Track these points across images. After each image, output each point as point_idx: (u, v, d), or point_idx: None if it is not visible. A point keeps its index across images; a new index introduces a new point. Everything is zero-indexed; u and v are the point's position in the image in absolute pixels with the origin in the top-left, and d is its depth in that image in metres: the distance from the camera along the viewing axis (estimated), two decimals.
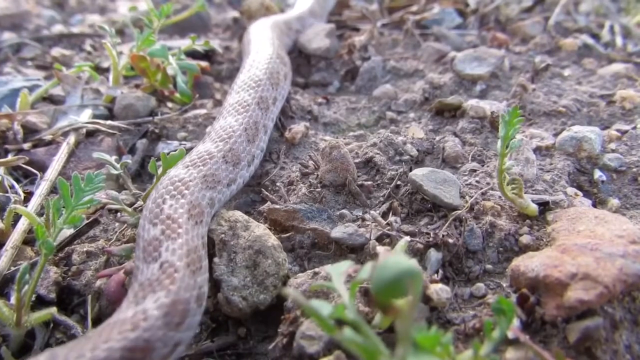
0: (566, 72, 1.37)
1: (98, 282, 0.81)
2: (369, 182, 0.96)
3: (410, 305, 0.51)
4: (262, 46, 1.26)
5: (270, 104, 1.09)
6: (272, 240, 0.81)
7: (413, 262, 0.56)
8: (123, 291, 0.76)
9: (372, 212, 0.89)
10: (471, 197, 0.89)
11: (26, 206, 0.93)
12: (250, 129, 0.99)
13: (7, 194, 0.97)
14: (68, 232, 0.89)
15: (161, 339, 0.64)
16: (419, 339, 0.51)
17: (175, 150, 0.93)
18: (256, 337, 0.78)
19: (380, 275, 0.53)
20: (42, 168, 1.06)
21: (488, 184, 0.94)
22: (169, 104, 1.32)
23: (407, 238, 0.80)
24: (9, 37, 1.71)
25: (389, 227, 0.84)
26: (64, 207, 0.78)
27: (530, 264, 0.72)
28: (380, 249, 0.79)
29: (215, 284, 0.79)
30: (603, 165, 1.01)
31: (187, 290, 0.69)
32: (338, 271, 0.63)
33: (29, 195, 0.99)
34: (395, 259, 0.55)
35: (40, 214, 0.90)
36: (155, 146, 1.17)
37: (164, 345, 0.65)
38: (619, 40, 1.57)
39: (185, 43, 1.45)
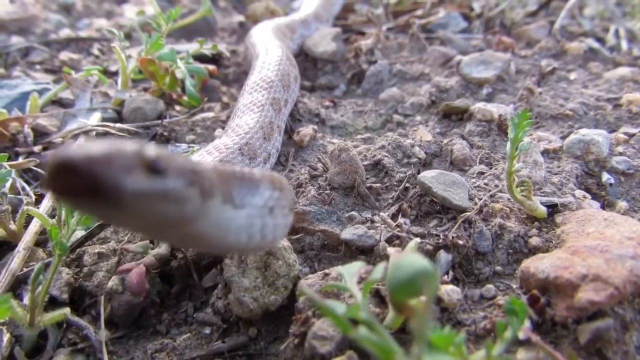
0: (572, 76, 1.38)
1: (110, 283, 0.81)
2: (378, 185, 0.96)
3: (426, 305, 0.52)
4: (271, 48, 1.27)
5: (282, 105, 1.10)
6: (283, 241, 0.81)
7: (427, 262, 0.56)
8: (145, 283, 0.77)
9: (381, 213, 0.89)
10: (480, 199, 0.90)
11: (38, 208, 0.93)
12: (267, 127, 1.00)
13: (18, 196, 0.97)
14: (79, 233, 0.90)
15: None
16: (433, 338, 0.52)
17: (186, 152, 0.94)
18: (267, 337, 0.78)
19: (395, 275, 0.53)
20: None
21: (496, 186, 0.94)
22: (177, 107, 1.33)
23: (417, 239, 0.81)
24: (17, 41, 1.72)
25: (398, 229, 0.85)
26: None
27: (540, 265, 0.73)
28: (390, 250, 0.79)
29: (226, 285, 0.79)
30: (611, 168, 1.01)
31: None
32: (350, 272, 0.64)
33: (39, 198, 1.00)
34: (410, 258, 0.55)
35: (51, 216, 0.90)
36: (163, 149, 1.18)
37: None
38: (624, 44, 1.57)
39: (191, 47, 1.47)
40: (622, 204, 0.94)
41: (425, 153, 1.04)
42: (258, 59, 1.23)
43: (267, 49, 1.27)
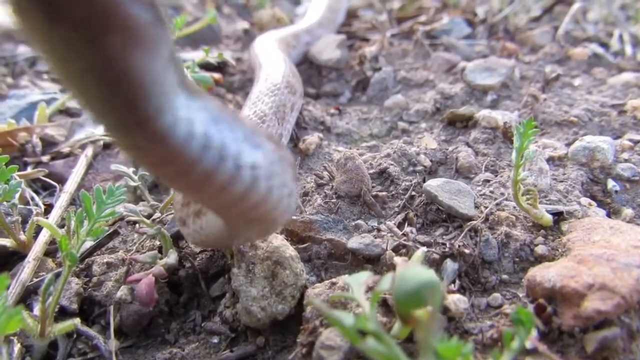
0: (576, 82, 1.38)
1: (119, 293, 0.82)
2: (384, 193, 0.97)
3: (431, 316, 0.52)
4: (272, 73, 1.23)
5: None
6: (290, 251, 0.82)
7: (432, 274, 0.57)
8: (154, 293, 0.77)
9: (387, 222, 0.90)
10: (486, 207, 0.90)
11: (47, 218, 0.94)
12: None
13: (28, 206, 0.98)
14: (88, 243, 0.91)
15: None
16: (440, 349, 0.52)
17: None
18: (275, 347, 0.78)
19: (401, 287, 0.54)
20: (61, 180, 1.07)
21: (502, 194, 0.94)
22: None
23: (424, 248, 0.81)
24: (24, 50, 1.73)
25: (405, 238, 0.85)
26: (85, 219, 0.79)
27: (546, 274, 0.73)
28: (397, 259, 0.80)
29: (234, 294, 0.80)
30: (616, 175, 1.01)
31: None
32: (358, 282, 0.64)
33: (48, 208, 1.01)
34: (415, 270, 0.56)
35: (61, 226, 0.91)
36: None
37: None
38: (628, 49, 1.58)
39: (197, 54, 1.47)
40: (628, 211, 0.94)
41: (431, 161, 1.05)
42: (257, 85, 1.21)
43: (267, 76, 1.22)
